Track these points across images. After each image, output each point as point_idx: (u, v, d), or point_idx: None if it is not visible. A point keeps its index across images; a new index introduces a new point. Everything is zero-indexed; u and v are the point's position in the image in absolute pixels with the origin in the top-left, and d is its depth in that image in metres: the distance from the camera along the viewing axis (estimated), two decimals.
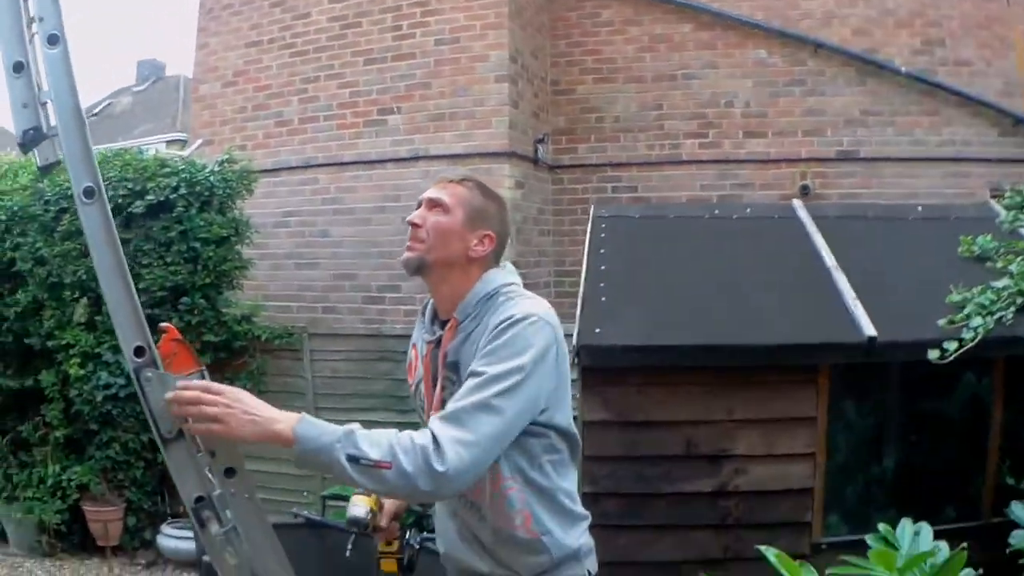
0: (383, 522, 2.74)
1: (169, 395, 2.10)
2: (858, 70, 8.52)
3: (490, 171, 8.20)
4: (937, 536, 3.44)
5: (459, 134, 8.43)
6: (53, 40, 2.16)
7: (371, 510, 2.70)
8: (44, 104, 2.16)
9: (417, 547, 2.83)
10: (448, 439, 2.10)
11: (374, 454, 2.07)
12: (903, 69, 8.39)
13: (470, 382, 2.22)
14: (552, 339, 2.28)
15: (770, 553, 3.35)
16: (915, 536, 3.40)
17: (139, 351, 2.13)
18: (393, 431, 2.15)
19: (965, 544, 3.23)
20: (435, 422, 2.16)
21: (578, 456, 2.49)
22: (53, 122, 2.16)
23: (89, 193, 2.13)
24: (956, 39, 8.51)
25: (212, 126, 9.90)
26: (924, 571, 3.09)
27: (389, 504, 2.76)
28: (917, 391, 4.61)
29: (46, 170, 2.28)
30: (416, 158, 8.56)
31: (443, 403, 2.33)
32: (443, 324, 2.46)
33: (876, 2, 8.61)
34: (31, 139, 2.17)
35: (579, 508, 2.50)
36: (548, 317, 2.31)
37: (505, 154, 8.24)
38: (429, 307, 2.55)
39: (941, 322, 4.44)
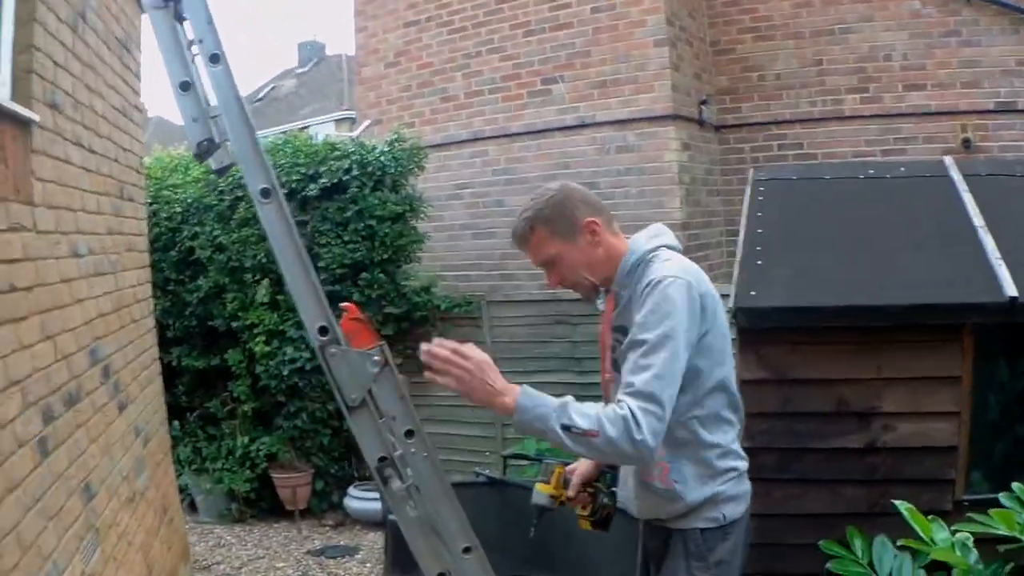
0: (571, 493, 3.05)
1: (425, 347, 2.44)
2: (1011, 19, 8.21)
3: (655, 134, 8.40)
4: None
5: (623, 100, 8.58)
6: (215, 59, 2.36)
7: (552, 496, 3.02)
8: (214, 117, 2.36)
9: (609, 504, 3.05)
10: (640, 410, 2.41)
11: (584, 424, 2.41)
12: None
13: (636, 351, 2.53)
14: (692, 294, 2.56)
15: (903, 507, 3.47)
16: None
17: (323, 330, 2.31)
18: (599, 405, 2.50)
19: None
20: (628, 398, 2.45)
21: (739, 411, 2.78)
22: (224, 131, 2.35)
23: (265, 193, 2.32)
24: None
25: (379, 106, 10.29)
26: None
27: (576, 478, 3.07)
28: None
29: (221, 172, 2.52)
30: (583, 125, 8.79)
31: (614, 362, 2.78)
32: (607, 292, 2.86)
33: None
34: (205, 150, 2.38)
35: (727, 462, 2.72)
36: (684, 274, 2.60)
37: (669, 117, 8.36)
38: None
39: None
